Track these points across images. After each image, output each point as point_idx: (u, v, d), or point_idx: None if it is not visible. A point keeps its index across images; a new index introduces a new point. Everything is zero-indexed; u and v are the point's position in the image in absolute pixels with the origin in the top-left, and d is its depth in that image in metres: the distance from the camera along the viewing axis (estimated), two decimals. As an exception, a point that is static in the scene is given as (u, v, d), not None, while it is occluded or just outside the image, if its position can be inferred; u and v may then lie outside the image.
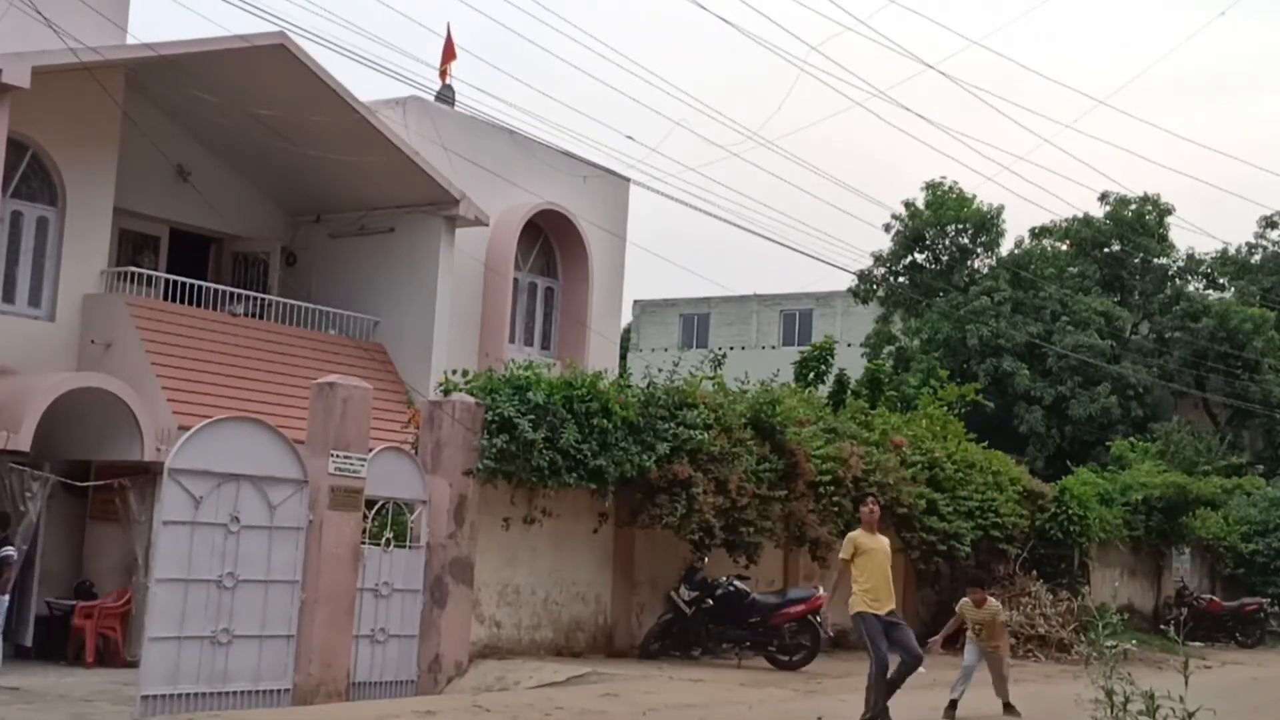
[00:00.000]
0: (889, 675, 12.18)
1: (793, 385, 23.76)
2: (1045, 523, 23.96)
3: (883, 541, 12.62)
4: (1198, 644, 25.48)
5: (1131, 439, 34.58)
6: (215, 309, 21.05)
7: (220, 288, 21.61)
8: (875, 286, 42.49)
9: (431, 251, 22.47)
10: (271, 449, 13.25)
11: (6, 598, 15.34)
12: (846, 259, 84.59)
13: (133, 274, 20.49)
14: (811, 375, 26.06)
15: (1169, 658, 19.73)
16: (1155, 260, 42.50)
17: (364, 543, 14.05)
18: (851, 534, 12.72)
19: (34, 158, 19.49)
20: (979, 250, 42.16)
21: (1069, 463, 32.65)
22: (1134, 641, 17.37)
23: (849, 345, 42.30)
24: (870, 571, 12.25)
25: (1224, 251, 43.50)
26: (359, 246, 23.07)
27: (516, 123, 32.85)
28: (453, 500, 15.01)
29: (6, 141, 17.77)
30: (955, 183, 41.75)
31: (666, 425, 16.90)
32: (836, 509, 19.19)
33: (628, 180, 26.83)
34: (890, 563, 12.54)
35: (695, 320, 56.58)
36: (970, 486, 22.06)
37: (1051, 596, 22.54)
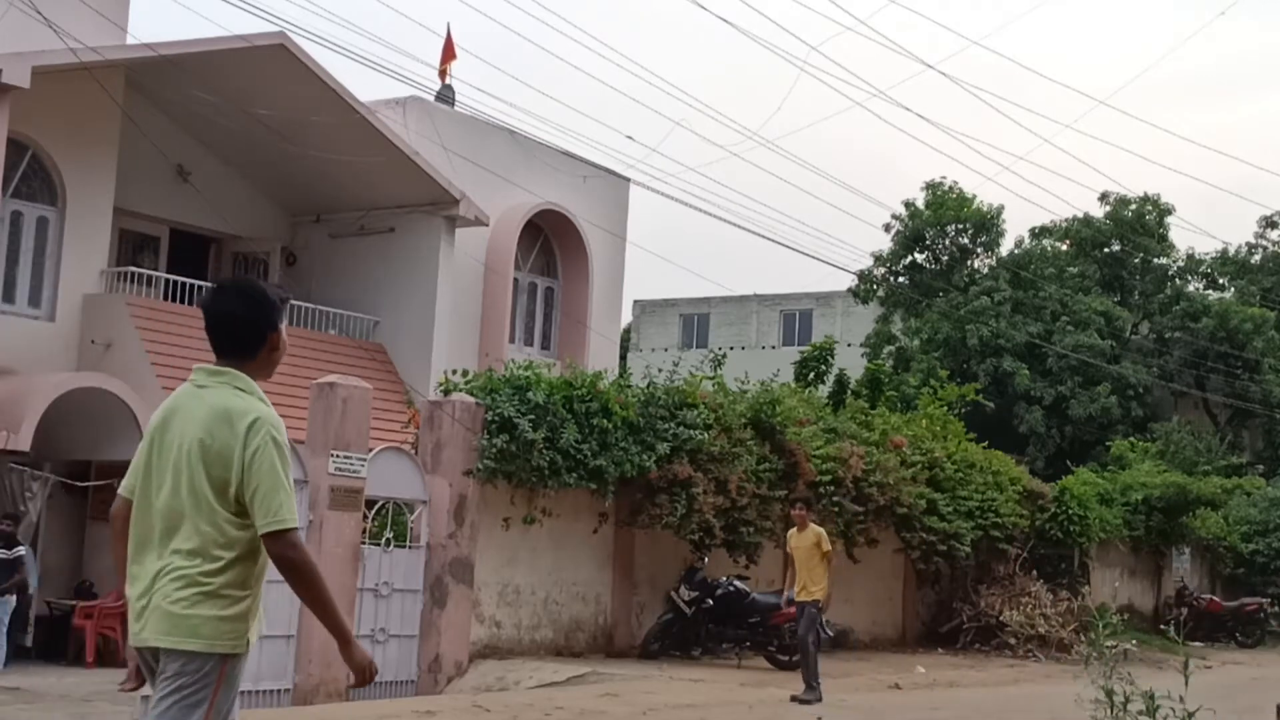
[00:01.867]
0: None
1: (793, 385, 23.74)
2: (1045, 523, 23.95)
3: (807, 538, 14.35)
4: (1198, 644, 25.45)
5: (1131, 439, 34.58)
6: (215, 309, 21.02)
7: (220, 288, 21.59)
8: (875, 286, 42.47)
9: (431, 251, 22.48)
10: (271, 449, 13.23)
11: (14, 598, 15.34)
12: (846, 259, 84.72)
13: (133, 274, 20.50)
14: (811, 375, 26.04)
15: (1169, 658, 19.72)
16: (1155, 260, 42.50)
17: (364, 543, 14.05)
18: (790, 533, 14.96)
19: (34, 158, 19.50)
20: (979, 250, 42.15)
21: (1069, 463, 32.63)
22: (1134, 641, 17.30)
23: (849, 345, 42.27)
24: (795, 563, 14.45)
25: (1224, 251, 43.50)
26: (359, 246, 23.07)
27: (516, 123, 32.87)
28: (453, 500, 15.00)
29: (6, 141, 17.78)
30: (955, 183, 41.76)
31: (666, 425, 16.89)
32: (836, 509, 19.18)
33: (628, 180, 26.84)
34: (818, 554, 14.25)
35: (695, 320, 56.56)
36: (970, 486, 22.05)
37: (1051, 596, 22.52)
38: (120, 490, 4.41)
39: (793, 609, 17.09)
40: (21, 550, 15.38)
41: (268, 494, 4.18)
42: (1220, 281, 43.73)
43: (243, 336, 4.40)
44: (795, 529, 14.61)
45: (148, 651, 4.23)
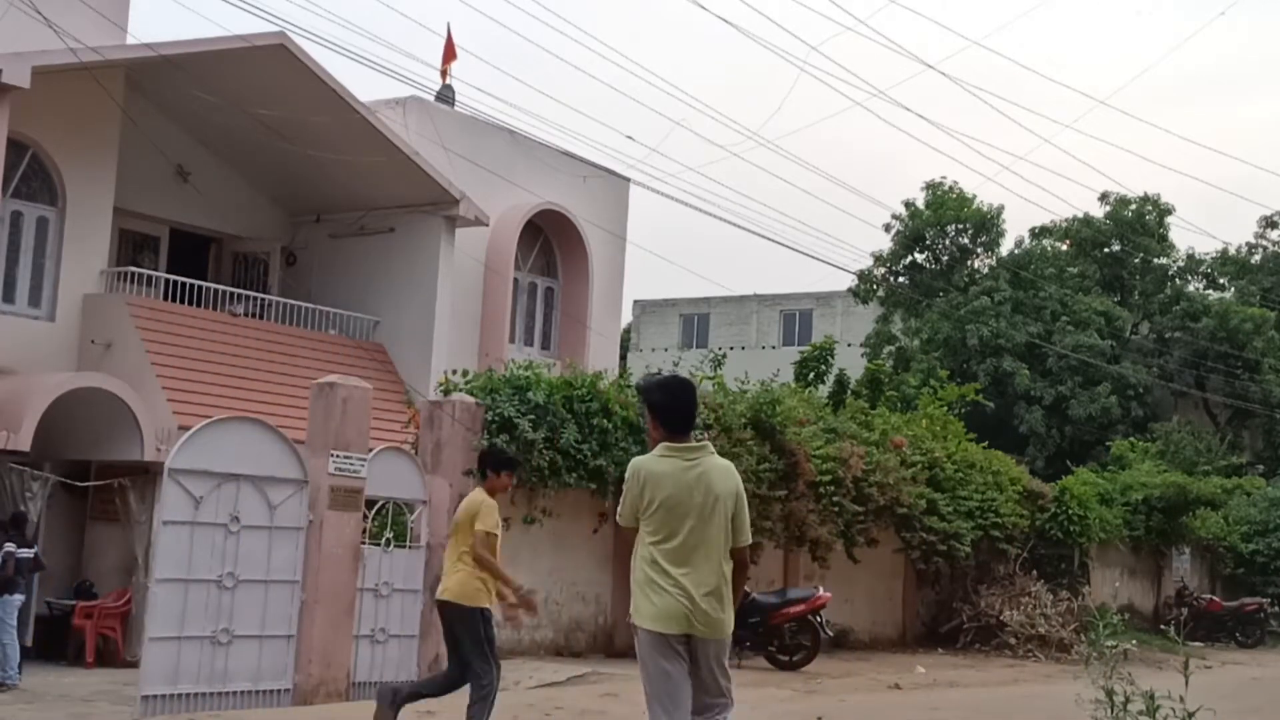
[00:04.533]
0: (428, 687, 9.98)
1: (793, 385, 23.74)
2: (1045, 523, 23.96)
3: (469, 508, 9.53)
4: (1198, 644, 25.48)
5: (1131, 439, 34.58)
6: (215, 309, 21.05)
7: (220, 288, 21.62)
8: (875, 286, 42.49)
9: (431, 251, 22.48)
10: (271, 449, 13.23)
11: (20, 597, 15.31)
12: (846, 259, 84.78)
13: (133, 274, 20.50)
14: (811, 375, 26.04)
15: (1169, 658, 19.74)
16: (1155, 260, 42.52)
17: (364, 543, 14.04)
18: (493, 501, 9.46)
19: (34, 158, 19.50)
20: (979, 250, 42.18)
21: (1069, 463, 32.65)
22: (1134, 641, 17.33)
23: (849, 345, 42.28)
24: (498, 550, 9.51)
25: (1224, 251, 43.53)
26: (359, 246, 23.07)
27: (516, 123, 32.90)
28: (453, 500, 14.97)
29: (6, 141, 17.78)
30: (955, 183, 41.81)
31: (667, 425, 16.87)
32: (836, 509, 19.19)
33: (628, 180, 26.84)
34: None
35: (695, 320, 56.57)
36: (970, 486, 22.05)
37: (1052, 596, 22.53)
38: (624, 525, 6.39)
39: (794, 609, 17.14)
40: (10, 548, 15.29)
41: (744, 518, 6.35)
42: (1220, 281, 43.76)
43: (694, 415, 6.41)
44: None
45: (680, 638, 6.25)
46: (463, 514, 9.40)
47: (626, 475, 6.35)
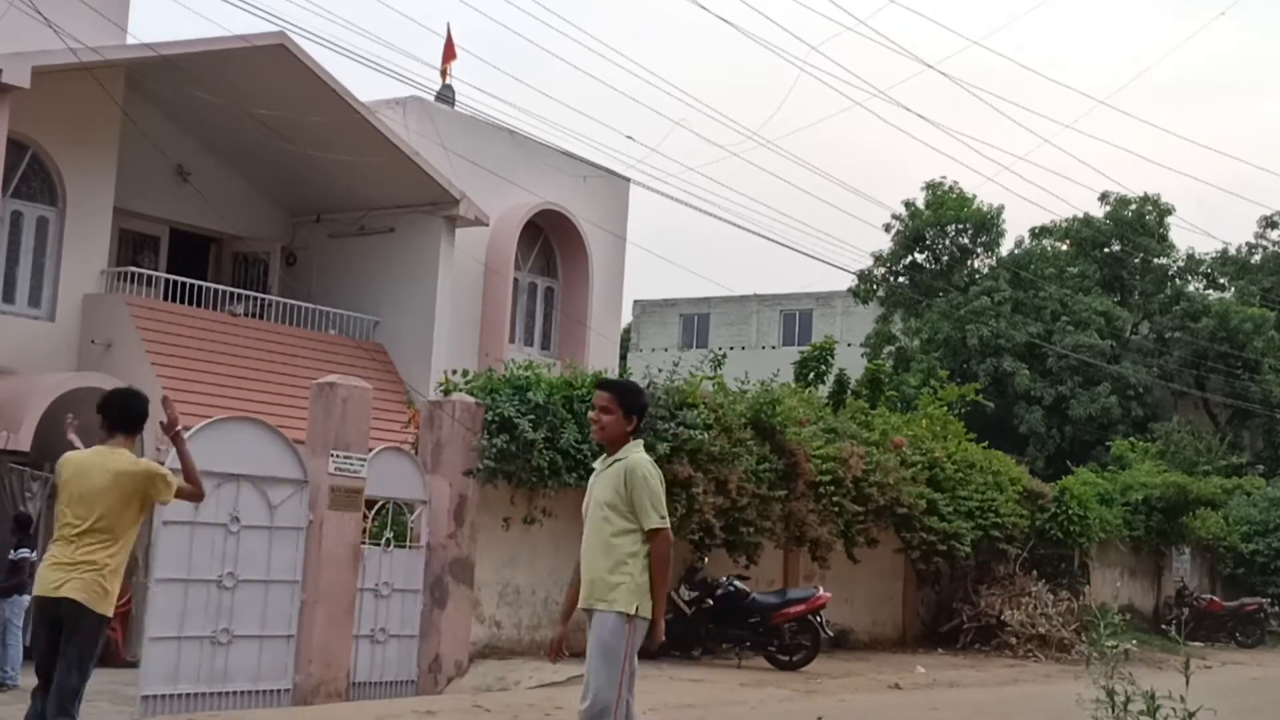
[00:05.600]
0: None
1: (793, 385, 23.72)
2: (1045, 523, 23.93)
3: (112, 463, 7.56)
4: (1198, 644, 25.47)
5: (1131, 439, 34.56)
6: (215, 309, 21.06)
7: (220, 288, 21.63)
8: (875, 286, 42.49)
9: (431, 251, 22.48)
10: (271, 449, 13.24)
11: (28, 597, 15.31)
12: (846, 259, 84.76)
13: (133, 274, 20.51)
14: (811, 375, 26.02)
15: (1169, 658, 19.74)
16: (1155, 260, 42.52)
17: (364, 543, 14.05)
18: (167, 473, 7.68)
19: (34, 158, 19.51)
20: (979, 250, 42.18)
21: (1069, 463, 32.63)
22: (1134, 641, 17.29)
23: (849, 345, 42.28)
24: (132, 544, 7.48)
25: (1224, 251, 43.53)
26: (359, 246, 23.08)
27: (516, 123, 32.91)
28: (453, 500, 15.00)
29: (6, 141, 17.79)
30: (955, 183, 41.81)
31: (666, 425, 16.87)
32: (836, 509, 19.17)
33: (628, 180, 26.84)
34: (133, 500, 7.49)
35: (695, 320, 56.57)
36: (970, 486, 22.02)
37: (1052, 596, 22.52)
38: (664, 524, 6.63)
39: (794, 609, 17.13)
40: (25, 552, 15.36)
41: None
42: (1220, 281, 43.76)
43: None
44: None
45: None
46: (109, 485, 7.32)
47: (648, 474, 6.51)
